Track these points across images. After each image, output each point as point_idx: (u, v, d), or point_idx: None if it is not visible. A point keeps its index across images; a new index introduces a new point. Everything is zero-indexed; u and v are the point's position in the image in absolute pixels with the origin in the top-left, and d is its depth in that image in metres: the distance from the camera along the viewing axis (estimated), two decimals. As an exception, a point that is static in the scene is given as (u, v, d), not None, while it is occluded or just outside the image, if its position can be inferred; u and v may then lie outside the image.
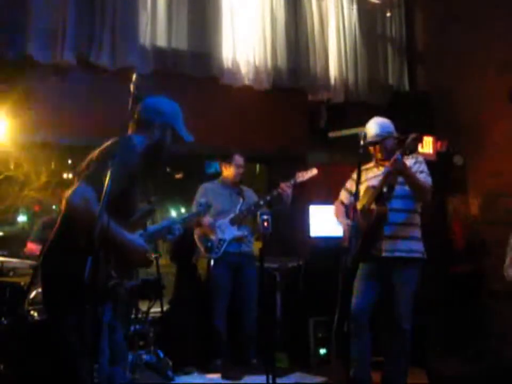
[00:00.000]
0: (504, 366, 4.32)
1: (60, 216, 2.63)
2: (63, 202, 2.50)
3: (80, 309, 2.41)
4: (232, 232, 4.71)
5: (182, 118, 2.86)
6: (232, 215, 4.73)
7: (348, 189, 4.06)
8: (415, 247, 3.79)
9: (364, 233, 3.63)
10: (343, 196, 4.10)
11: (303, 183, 4.71)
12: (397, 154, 3.57)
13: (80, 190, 2.46)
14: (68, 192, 2.48)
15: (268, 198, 4.65)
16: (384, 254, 3.72)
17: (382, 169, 3.82)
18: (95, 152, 2.63)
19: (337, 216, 4.08)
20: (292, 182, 4.63)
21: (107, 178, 2.31)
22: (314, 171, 4.66)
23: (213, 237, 4.68)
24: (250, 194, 4.95)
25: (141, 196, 2.80)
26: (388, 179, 3.63)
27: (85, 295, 2.32)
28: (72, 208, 2.48)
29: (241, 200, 4.79)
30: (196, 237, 4.75)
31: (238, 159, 4.83)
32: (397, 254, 3.73)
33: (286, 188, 4.59)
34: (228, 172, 4.86)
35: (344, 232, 3.85)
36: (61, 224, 2.60)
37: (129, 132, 2.76)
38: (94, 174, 2.51)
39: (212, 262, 4.69)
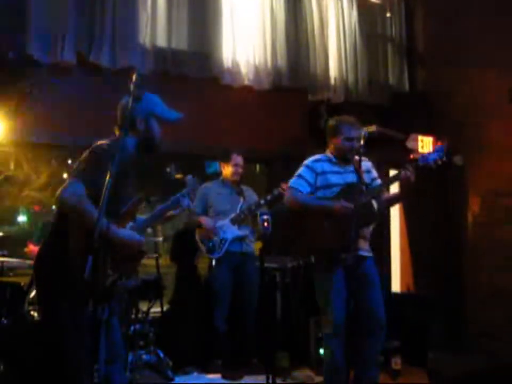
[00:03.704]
0: (503, 364, 4.32)
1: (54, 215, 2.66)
2: (56, 199, 2.53)
3: (74, 307, 2.41)
4: (233, 232, 4.70)
5: (160, 102, 2.83)
6: (232, 215, 4.72)
7: (307, 179, 3.72)
8: (369, 247, 3.77)
9: (349, 231, 3.44)
10: (299, 184, 3.73)
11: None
12: (407, 168, 3.46)
13: (71, 187, 2.51)
14: (59, 189, 2.50)
15: (269, 197, 4.65)
16: (353, 253, 3.52)
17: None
18: (86, 152, 2.65)
19: (303, 200, 3.69)
20: None
21: (106, 180, 2.31)
22: None
23: (214, 237, 4.67)
24: (250, 194, 4.94)
25: (135, 192, 2.80)
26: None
27: (79, 293, 2.33)
28: (63, 204, 2.53)
29: (241, 199, 4.79)
30: (197, 237, 4.74)
31: (236, 158, 4.83)
32: (363, 253, 3.66)
33: (286, 187, 4.56)
34: (227, 171, 4.85)
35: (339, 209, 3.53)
36: (54, 223, 2.62)
37: (118, 135, 2.79)
38: (84, 171, 2.55)
39: (214, 262, 4.69)
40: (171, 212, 3.03)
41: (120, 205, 2.66)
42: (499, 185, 5.36)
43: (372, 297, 3.63)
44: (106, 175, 2.35)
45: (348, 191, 3.60)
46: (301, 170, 3.79)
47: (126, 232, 2.63)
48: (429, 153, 3.57)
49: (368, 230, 3.74)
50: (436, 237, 5.73)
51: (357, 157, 3.64)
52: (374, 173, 3.80)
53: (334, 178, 3.69)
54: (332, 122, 3.81)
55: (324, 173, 3.73)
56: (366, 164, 3.78)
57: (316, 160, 3.79)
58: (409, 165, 3.48)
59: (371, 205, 3.59)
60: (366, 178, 3.68)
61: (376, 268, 3.73)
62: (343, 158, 3.73)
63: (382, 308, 3.64)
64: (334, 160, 3.76)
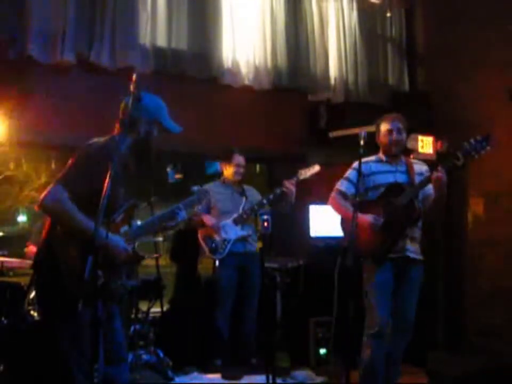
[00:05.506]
0: (503, 364, 4.32)
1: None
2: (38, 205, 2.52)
3: (70, 309, 2.41)
4: (236, 232, 4.68)
5: (166, 111, 2.82)
6: (235, 215, 4.69)
7: (351, 179, 3.80)
8: (419, 249, 3.77)
9: (392, 232, 3.57)
10: (345, 186, 3.82)
11: (305, 181, 4.68)
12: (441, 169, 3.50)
13: (52, 191, 2.50)
14: (42, 194, 2.50)
15: (271, 196, 4.59)
16: (401, 254, 3.65)
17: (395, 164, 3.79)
18: (76, 152, 2.63)
19: (340, 207, 3.79)
20: (295, 179, 4.56)
21: (106, 183, 2.29)
22: (316, 167, 4.58)
23: (217, 238, 4.65)
24: (253, 193, 4.92)
25: (128, 194, 2.77)
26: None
27: (73, 296, 2.33)
28: (45, 210, 2.53)
29: (243, 199, 4.76)
30: (200, 238, 4.72)
31: (237, 158, 4.81)
32: (410, 255, 3.67)
33: (289, 185, 4.51)
34: (228, 171, 4.84)
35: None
36: (49, 224, 2.62)
37: (115, 132, 2.77)
38: (68, 175, 2.54)
39: (217, 263, 4.67)
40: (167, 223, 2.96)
41: (111, 206, 2.64)
42: (499, 185, 5.36)
43: (407, 297, 3.69)
44: (97, 176, 2.34)
45: (390, 192, 3.66)
46: (348, 172, 3.86)
47: (113, 238, 2.56)
48: (472, 142, 3.56)
49: (415, 231, 3.71)
50: (435, 237, 5.72)
51: (412, 160, 3.74)
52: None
53: (383, 178, 3.74)
54: (374, 126, 3.85)
55: (372, 173, 3.77)
56: (420, 166, 3.83)
57: (364, 163, 3.77)
58: (440, 166, 3.51)
59: (412, 205, 3.59)
60: (417, 180, 3.71)
61: (419, 271, 3.74)
62: (390, 154, 3.79)
63: (413, 310, 3.70)
64: (385, 159, 3.82)
